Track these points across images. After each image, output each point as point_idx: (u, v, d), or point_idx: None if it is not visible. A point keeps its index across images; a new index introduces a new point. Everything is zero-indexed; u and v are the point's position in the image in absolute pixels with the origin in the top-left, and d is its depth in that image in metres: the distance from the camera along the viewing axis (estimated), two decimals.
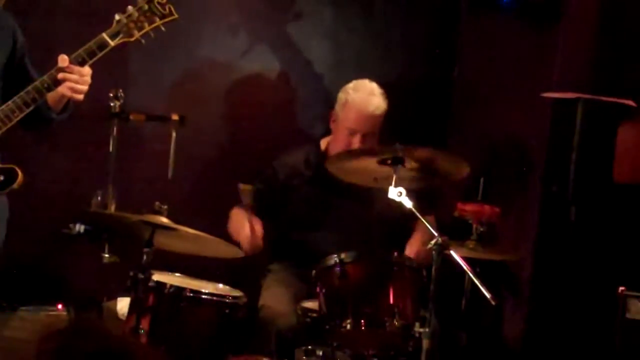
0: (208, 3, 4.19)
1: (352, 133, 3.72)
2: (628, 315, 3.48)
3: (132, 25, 3.03)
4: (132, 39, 3.02)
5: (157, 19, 3.06)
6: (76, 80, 2.90)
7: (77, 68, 2.90)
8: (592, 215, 3.85)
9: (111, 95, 3.41)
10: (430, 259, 3.20)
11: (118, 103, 3.44)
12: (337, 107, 3.81)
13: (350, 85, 3.80)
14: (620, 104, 3.68)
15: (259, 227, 3.60)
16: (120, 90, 3.43)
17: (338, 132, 3.79)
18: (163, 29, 3.08)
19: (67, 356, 0.98)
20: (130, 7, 3.03)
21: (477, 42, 4.52)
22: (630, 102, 3.70)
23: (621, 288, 3.51)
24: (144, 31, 3.05)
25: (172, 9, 3.07)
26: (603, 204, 3.86)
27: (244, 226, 3.57)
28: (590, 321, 3.77)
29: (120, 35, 2.99)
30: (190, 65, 4.15)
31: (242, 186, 3.58)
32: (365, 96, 3.75)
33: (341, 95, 3.79)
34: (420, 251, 3.55)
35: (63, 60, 2.91)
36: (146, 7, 3.03)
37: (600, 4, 3.98)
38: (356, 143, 3.70)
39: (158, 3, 3.04)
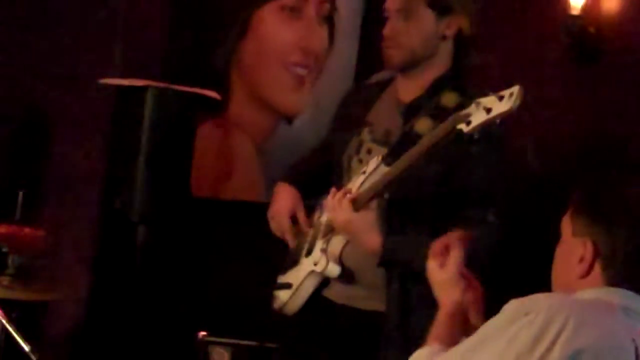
0: None
1: None
2: None
3: None
4: None
5: None
6: None
7: None
8: (166, 237, 3.58)
9: None
10: None
11: None
12: None
13: None
14: (200, 95, 3.39)
15: None
16: None
17: None
18: None
19: None
20: None
21: None
22: (213, 94, 3.42)
23: (202, 332, 3.31)
24: None
25: None
26: (179, 224, 3.55)
27: None
28: None
29: None
30: None
31: None
32: None
33: None
34: None
35: None
36: None
37: None
38: None
39: None
